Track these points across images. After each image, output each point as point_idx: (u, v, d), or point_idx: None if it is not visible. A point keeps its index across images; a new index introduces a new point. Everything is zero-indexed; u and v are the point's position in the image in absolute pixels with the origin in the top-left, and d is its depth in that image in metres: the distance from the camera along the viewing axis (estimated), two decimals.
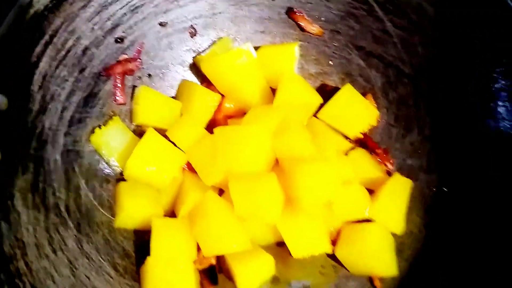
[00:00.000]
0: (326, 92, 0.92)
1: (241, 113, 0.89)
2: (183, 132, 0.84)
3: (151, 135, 0.81)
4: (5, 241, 0.68)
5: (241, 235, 0.76)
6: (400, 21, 0.87)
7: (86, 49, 0.81)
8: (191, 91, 0.88)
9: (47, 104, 0.77)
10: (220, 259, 0.82)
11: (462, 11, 0.81)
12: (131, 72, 0.87)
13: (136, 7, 0.85)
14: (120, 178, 0.85)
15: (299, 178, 0.77)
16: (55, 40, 0.77)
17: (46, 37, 0.76)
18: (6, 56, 0.71)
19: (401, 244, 0.85)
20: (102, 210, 0.82)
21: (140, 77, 0.89)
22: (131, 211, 0.80)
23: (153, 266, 0.77)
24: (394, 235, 0.84)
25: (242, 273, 0.76)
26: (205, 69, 0.89)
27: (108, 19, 0.83)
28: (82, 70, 0.81)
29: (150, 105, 0.86)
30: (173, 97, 0.91)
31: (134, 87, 0.89)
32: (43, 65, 0.76)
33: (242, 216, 0.76)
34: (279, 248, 0.83)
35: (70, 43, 0.79)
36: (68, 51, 0.79)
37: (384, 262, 0.81)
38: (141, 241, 0.82)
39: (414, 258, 0.84)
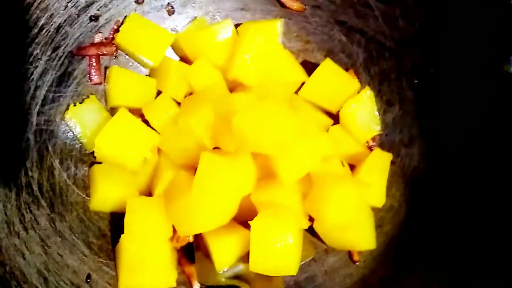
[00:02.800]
0: (308, 69, 0.90)
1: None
2: (157, 111, 0.83)
3: (122, 114, 0.80)
4: None
5: (213, 214, 0.74)
6: None
7: (59, 27, 0.80)
8: (166, 66, 0.86)
9: (19, 82, 0.76)
10: (197, 236, 0.80)
11: None
12: (105, 55, 0.86)
13: None
14: (96, 159, 0.84)
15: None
16: (27, 17, 0.76)
17: (18, 13, 0.75)
18: None
19: (381, 219, 0.84)
20: (77, 190, 0.81)
21: (116, 56, 0.88)
22: (105, 194, 0.79)
23: (127, 244, 0.76)
24: (374, 209, 0.82)
25: (218, 249, 0.75)
26: (185, 46, 0.88)
27: None
28: (55, 49, 0.80)
29: (123, 86, 0.84)
30: (147, 75, 0.90)
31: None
32: (14, 42, 0.75)
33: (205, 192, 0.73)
34: None
35: (42, 20, 0.78)
36: (41, 29, 0.78)
37: (362, 236, 0.79)
38: (118, 220, 0.81)
39: (393, 233, 0.83)
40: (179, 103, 0.86)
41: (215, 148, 0.80)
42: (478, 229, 0.74)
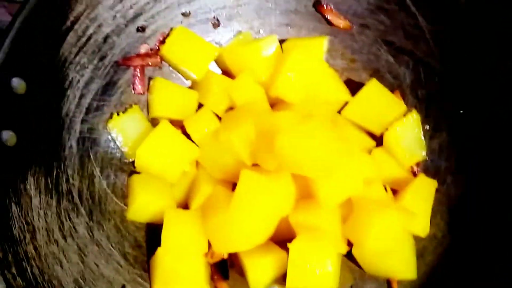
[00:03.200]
0: (352, 89, 0.89)
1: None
2: (197, 124, 0.83)
3: (164, 126, 0.80)
4: (15, 224, 0.68)
5: (250, 233, 0.73)
6: (433, 16, 0.83)
7: (107, 37, 0.81)
8: (208, 79, 0.86)
9: (65, 90, 0.77)
10: (232, 253, 0.79)
11: (496, 7, 0.76)
12: (150, 65, 0.86)
13: None
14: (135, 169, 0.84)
15: None
16: (76, 26, 0.77)
17: (68, 23, 0.76)
18: (27, 39, 0.70)
19: (423, 248, 0.81)
20: (115, 199, 0.81)
21: (160, 67, 0.88)
22: (143, 204, 0.79)
23: (163, 256, 0.75)
24: (416, 237, 0.79)
25: (254, 269, 0.74)
26: (229, 60, 0.88)
27: (131, 7, 0.82)
28: (102, 58, 0.81)
29: (165, 97, 0.85)
30: (190, 87, 0.90)
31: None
32: (63, 51, 0.76)
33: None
34: None
35: (91, 30, 0.79)
36: (89, 38, 0.79)
37: (403, 264, 0.77)
38: (153, 231, 0.80)
39: (435, 264, 0.80)
40: (220, 117, 0.86)
41: (254, 165, 0.79)
42: None
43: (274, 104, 0.88)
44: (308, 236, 0.71)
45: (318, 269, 0.69)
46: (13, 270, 0.65)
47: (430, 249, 0.81)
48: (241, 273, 0.77)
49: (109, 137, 0.83)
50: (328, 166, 0.72)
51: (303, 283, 0.70)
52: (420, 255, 0.80)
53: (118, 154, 0.84)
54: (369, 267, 0.79)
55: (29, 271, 0.67)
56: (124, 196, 0.82)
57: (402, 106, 0.86)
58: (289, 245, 0.70)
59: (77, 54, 0.78)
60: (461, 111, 0.83)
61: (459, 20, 0.80)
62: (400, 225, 0.74)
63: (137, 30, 0.84)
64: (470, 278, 0.76)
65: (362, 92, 0.85)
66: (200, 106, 0.87)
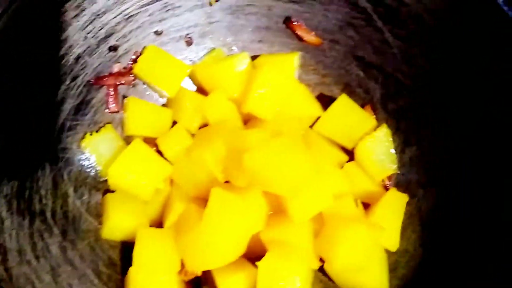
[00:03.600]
0: (324, 103, 0.90)
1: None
2: (170, 142, 0.83)
3: (136, 145, 0.81)
4: None
5: (222, 251, 0.73)
6: (400, 31, 0.84)
7: (78, 57, 0.82)
8: (181, 97, 0.87)
9: (37, 111, 0.77)
10: (205, 270, 0.80)
11: (462, 21, 0.77)
12: (123, 84, 0.87)
13: (131, 16, 0.85)
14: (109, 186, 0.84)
15: None
16: (46, 47, 0.77)
17: (38, 44, 0.76)
18: None
19: (395, 262, 0.81)
20: (89, 218, 0.82)
21: (134, 85, 0.89)
22: (116, 223, 0.80)
23: (135, 275, 0.75)
24: (388, 252, 0.80)
25: (225, 286, 0.74)
26: (201, 77, 0.89)
27: (102, 27, 0.83)
28: (74, 78, 0.82)
29: (139, 115, 0.85)
30: (164, 105, 0.91)
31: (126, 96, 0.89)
32: (33, 72, 0.76)
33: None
34: None
35: (62, 51, 0.79)
36: (60, 59, 0.79)
37: (375, 279, 0.77)
38: (128, 250, 0.80)
39: (408, 278, 0.80)
40: (193, 135, 0.86)
41: (227, 182, 0.80)
42: (500, 280, 0.71)
43: (248, 120, 0.89)
44: (278, 253, 0.72)
45: (287, 285, 0.69)
46: None
47: (402, 263, 0.81)
48: None
49: (83, 156, 0.83)
50: (297, 183, 0.72)
51: None
52: (392, 269, 0.80)
53: (92, 173, 0.84)
54: (341, 282, 0.79)
55: None
56: (98, 214, 0.83)
57: (373, 121, 0.87)
58: (258, 263, 0.71)
59: (48, 74, 0.78)
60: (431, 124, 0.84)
61: (425, 35, 0.81)
62: (370, 240, 0.74)
63: (109, 49, 0.85)
64: None
65: (333, 107, 0.86)
66: (174, 123, 0.88)
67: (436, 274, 0.79)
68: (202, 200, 0.82)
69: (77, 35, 0.80)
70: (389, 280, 0.79)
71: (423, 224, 0.83)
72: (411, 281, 0.80)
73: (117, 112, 0.87)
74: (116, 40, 0.85)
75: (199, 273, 0.80)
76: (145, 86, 0.90)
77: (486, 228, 0.75)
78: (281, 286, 0.69)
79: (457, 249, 0.78)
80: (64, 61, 0.80)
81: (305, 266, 0.73)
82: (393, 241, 0.80)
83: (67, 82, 0.81)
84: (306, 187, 0.74)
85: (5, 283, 0.69)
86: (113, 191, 0.83)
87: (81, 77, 0.83)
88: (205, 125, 0.88)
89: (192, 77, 0.91)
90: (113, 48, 0.85)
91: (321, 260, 0.78)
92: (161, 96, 0.90)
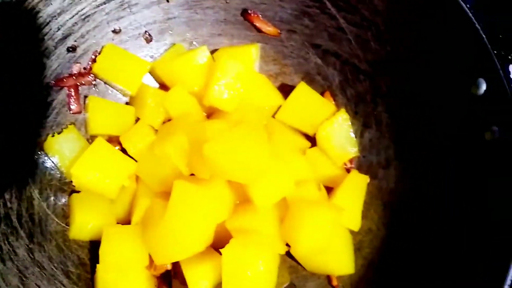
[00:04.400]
0: (286, 92, 0.91)
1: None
2: (133, 139, 0.84)
3: (98, 144, 0.81)
4: None
5: (187, 242, 0.74)
6: (353, 17, 0.85)
7: (37, 59, 0.82)
8: (143, 94, 0.88)
9: None
10: (175, 263, 0.80)
11: (412, 4, 0.79)
12: (83, 85, 0.88)
13: (87, 16, 0.85)
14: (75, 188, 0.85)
15: None
16: (2, 51, 0.77)
17: None
18: None
19: (359, 242, 0.83)
20: (56, 219, 0.82)
21: (95, 85, 0.89)
22: (84, 222, 0.80)
23: (103, 274, 0.76)
24: (352, 232, 0.82)
25: (193, 276, 0.75)
26: (162, 73, 0.90)
27: (59, 29, 0.83)
28: (33, 81, 0.82)
29: (101, 115, 0.86)
30: (128, 103, 0.91)
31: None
32: None
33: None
34: None
35: (19, 54, 0.79)
36: (18, 62, 0.79)
37: (340, 260, 0.79)
38: (97, 249, 0.81)
39: (372, 256, 0.82)
40: (157, 130, 0.87)
41: (192, 174, 0.81)
42: (460, 251, 0.72)
43: (211, 113, 0.90)
44: (241, 240, 0.73)
45: (250, 271, 0.70)
46: None
47: (366, 242, 0.83)
48: (184, 282, 0.78)
49: (46, 158, 0.83)
50: (257, 170, 0.73)
51: (238, 286, 0.71)
52: (357, 248, 0.82)
53: (57, 175, 0.84)
54: (308, 265, 0.81)
55: None
56: (65, 215, 0.83)
57: (332, 107, 0.89)
58: (222, 249, 0.72)
59: (6, 78, 0.78)
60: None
61: (377, 20, 0.83)
62: (332, 222, 0.76)
63: (68, 50, 0.85)
64: (406, 268, 0.78)
65: (292, 96, 0.88)
66: (138, 121, 0.89)
67: (398, 252, 0.80)
68: (168, 195, 0.83)
69: (34, 37, 0.81)
70: (355, 260, 0.81)
71: (384, 203, 0.84)
72: (375, 260, 0.82)
73: (79, 112, 0.87)
74: (74, 41, 0.85)
75: (168, 267, 0.81)
76: (106, 85, 0.90)
77: (444, 202, 0.77)
78: (246, 272, 0.70)
79: (418, 226, 0.80)
80: (22, 63, 0.80)
81: (269, 252, 0.74)
82: (355, 221, 0.82)
83: (26, 85, 0.81)
84: (267, 174, 0.75)
85: None
86: (79, 192, 0.84)
87: (40, 79, 0.83)
88: (168, 121, 0.88)
89: (153, 73, 0.92)
90: (72, 49, 0.85)
91: (288, 245, 0.79)
92: (123, 95, 0.91)
